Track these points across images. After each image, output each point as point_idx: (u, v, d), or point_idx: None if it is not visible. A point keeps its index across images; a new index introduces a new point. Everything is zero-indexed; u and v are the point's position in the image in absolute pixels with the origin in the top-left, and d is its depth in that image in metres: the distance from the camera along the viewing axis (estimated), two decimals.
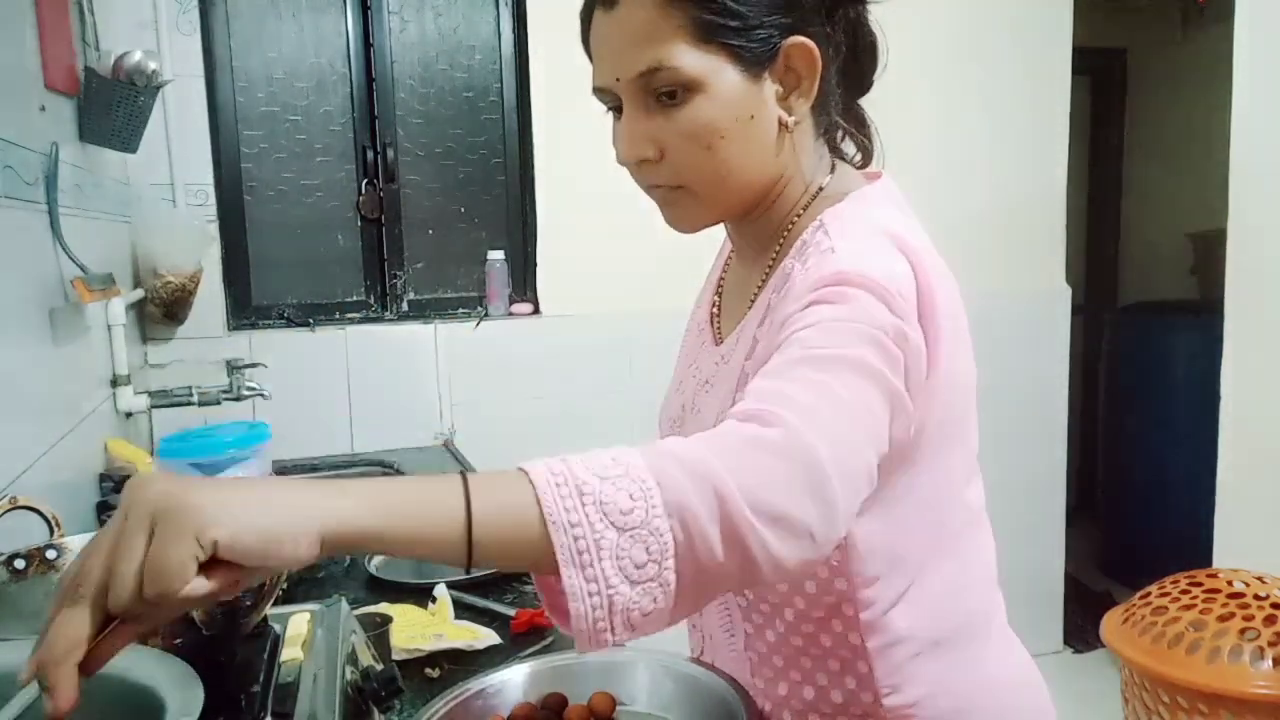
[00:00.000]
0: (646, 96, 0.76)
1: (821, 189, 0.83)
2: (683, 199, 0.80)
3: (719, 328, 0.93)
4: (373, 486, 0.53)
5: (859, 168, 0.89)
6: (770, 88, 0.77)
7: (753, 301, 0.85)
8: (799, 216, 0.83)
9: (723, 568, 0.55)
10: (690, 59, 0.73)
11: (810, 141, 0.83)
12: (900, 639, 0.79)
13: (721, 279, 0.97)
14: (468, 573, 0.55)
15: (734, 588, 0.61)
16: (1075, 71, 3.10)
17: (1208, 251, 3.46)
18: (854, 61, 0.83)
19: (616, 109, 0.80)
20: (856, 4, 0.81)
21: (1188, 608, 1.97)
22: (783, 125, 0.78)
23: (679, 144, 0.76)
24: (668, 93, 0.75)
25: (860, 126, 0.88)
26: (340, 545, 0.51)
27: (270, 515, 0.49)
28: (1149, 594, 2.06)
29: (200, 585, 0.48)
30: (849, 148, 0.88)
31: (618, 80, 0.77)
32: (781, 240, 0.84)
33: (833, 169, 0.85)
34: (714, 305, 0.96)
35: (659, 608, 0.55)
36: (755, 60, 0.75)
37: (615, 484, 0.54)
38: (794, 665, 0.83)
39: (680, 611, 0.57)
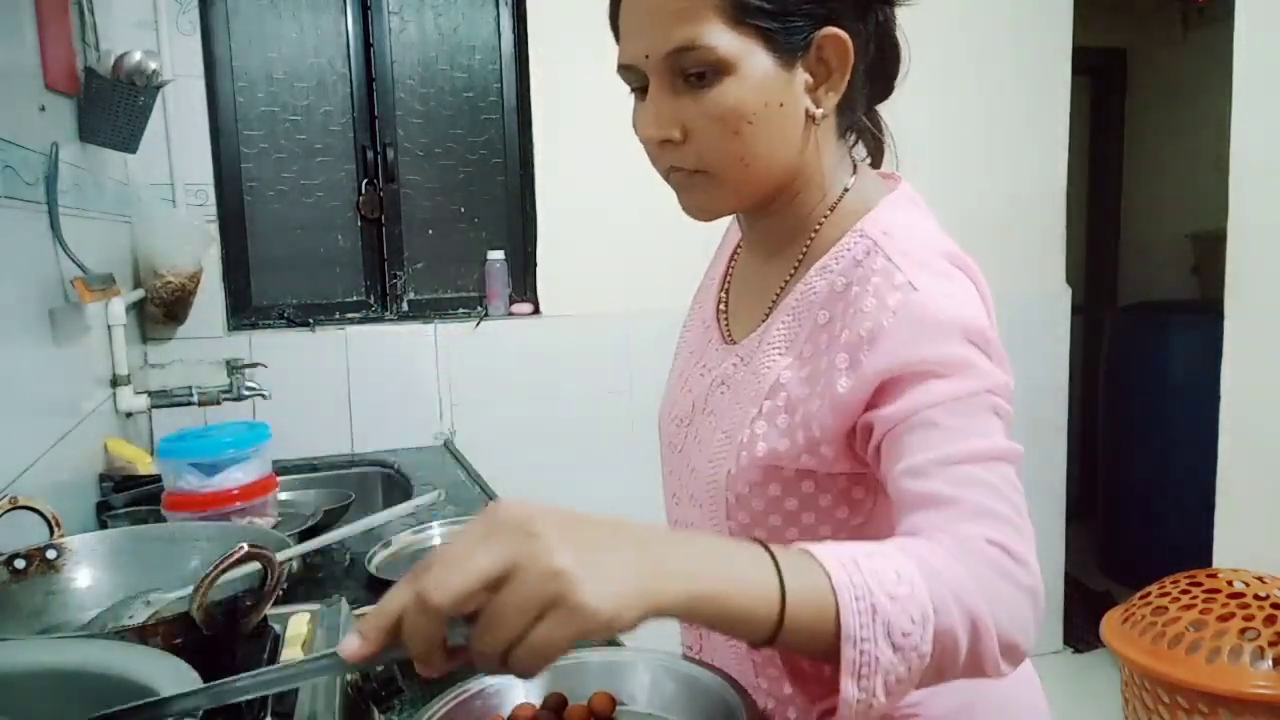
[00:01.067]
0: (674, 76, 0.75)
1: (846, 189, 0.83)
2: (702, 184, 0.79)
3: (728, 325, 0.91)
4: (704, 564, 0.55)
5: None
6: (801, 77, 0.76)
7: (775, 301, 0.84)
8: (826, 217, 0.82)
9: (952, 678, 0.62)
10: (723, 39, 0.72)
11: (833, 139, 0.82)
12: None
13: (728, 273, 0.95)
14: (755, 646, 0.58)
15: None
16: (1075, 71, 3.10)
17: (1208, 251, 3.46)
18: (880, 64, 0.82)
19: (641, 89, 0.78)
20: (888, 5, 0.80)
21: (1188, 608, 1.97)
22: (810, 117, 0.77)
23: (705, 126, 0.75)
24: (697, 73, 0.73)
25: (876, 131, 0.88)
26: (660, 616, 0.53)
27: (632, 609, 0.50)
28: (1149, 594, 2.06)
29: None
30: (859, 151, 0.88)
31: (646, 58, 0.75)
32: (809, 239, 0.83)
33: (854, 170, 0.85)
34: (720, 301, 0.94)
35: (888, 706, 0.59)
36: (788, 47, 0.74)
37: (902, 605, 0.57)
38: (800, 664, 0.83)
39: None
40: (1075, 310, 3.28)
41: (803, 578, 0.57)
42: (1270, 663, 1.80)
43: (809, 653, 0.59)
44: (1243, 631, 1.86)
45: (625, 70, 0.79)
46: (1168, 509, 3.43)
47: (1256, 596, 1.94)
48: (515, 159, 2.69)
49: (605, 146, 2.69)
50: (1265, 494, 2.23)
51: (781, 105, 0.75)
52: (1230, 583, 2.01)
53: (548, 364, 2.63)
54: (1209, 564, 2.29)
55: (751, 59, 0.73)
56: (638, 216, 2.47)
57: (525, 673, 0.50)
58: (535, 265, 2.69)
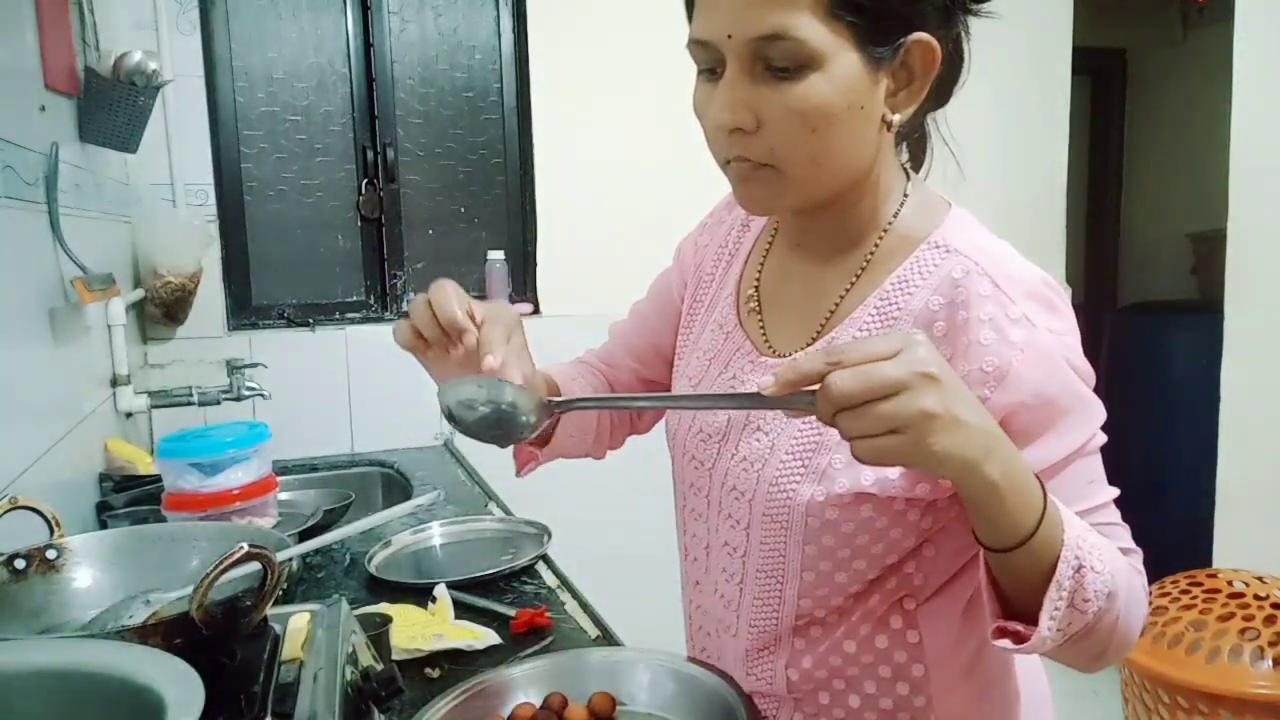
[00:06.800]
0: (756, 62, 0.70)
1: (906, 195, 0.81)
2: (767, 178, 0.74)
3: (764, 333, 0.87)
4: (1013, 468, 0.63)
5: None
6: (884, 81, 0.73)
7: (832, 311, 0.81)
8: (890, 225, 0.80)
9: (1076, 654, 0.73)
10: (816, 33, 0.68)
11: (893, 145, 0.80)
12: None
13: (757, 275, 0.90)
14: (993, 550, 0.68)
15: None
16: (1075, 71, 3.10)
17: (1208, 251, 3.46)
18: (947, 73, 0.78)
19: (711, 70, 0.74)
20: (972, 15, 0.79)
21: (1188, 608, 1.97)
22: (885, 124, 0.74)
23: (782, 120, 0.71)
24: (780, 65, 0.70)
25: (921, 138, 0.86)
26: (969, 488, 0.63)
27: (954, 470, 0.61)
28: (1149, 594, 2.06)
29: None
30: (901, 155, 0.86)
31: (729, 37, 0.70)
32: (874, 248, 0.81)
33: (908, 177, 0.83)
34: (750, 304, 0.89)
35: (1048, 646, 0.70)
36: (877, 49, 0.71)
37: (1098, 578, 0.68)
38: (839, 675, 0.83)
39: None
40: (1075, 310, 3.25)
41: (1051, 524, 0.66)
42: (1270, 663, 1.80)
43: (1014, 574, 0.68)
44: (1243, 631, 1.86)
45: (699, 46, 0.73)
46: (1168, 509, 3.43)
47: (1256, 596, 1.94)
48: (515, 159, 2.69)
49: (605, 147, 2.70)
50: (1265, 494, 2.23)
51: (862, 108, 0.72)
52: (1230, 583, 2.01)
53: (548, 364, 2.62)
54: (1209, 564, 2.29)
55: (840, 57, 0.69)
56: (638, 216, 2.47)
57: (860, 453, 0.59)
58: (535, 265, 2.70)
